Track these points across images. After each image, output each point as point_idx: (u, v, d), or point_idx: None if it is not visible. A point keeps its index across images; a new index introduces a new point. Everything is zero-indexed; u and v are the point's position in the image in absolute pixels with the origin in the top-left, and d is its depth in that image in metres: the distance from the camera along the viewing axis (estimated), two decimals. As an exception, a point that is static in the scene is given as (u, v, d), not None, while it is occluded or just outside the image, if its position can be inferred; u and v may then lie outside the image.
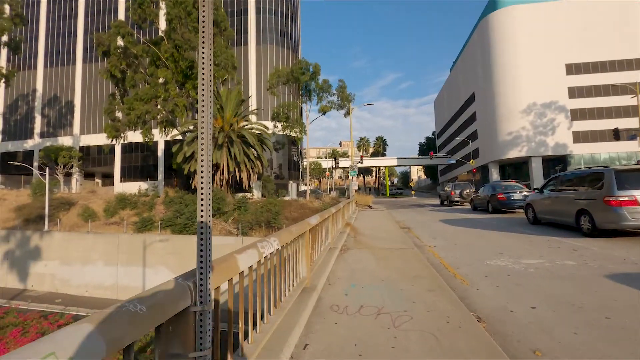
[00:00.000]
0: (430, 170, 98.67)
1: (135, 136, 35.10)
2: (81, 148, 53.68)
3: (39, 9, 58.14)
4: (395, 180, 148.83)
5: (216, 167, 26.25)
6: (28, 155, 55.42)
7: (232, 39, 50.27)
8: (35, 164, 54.16)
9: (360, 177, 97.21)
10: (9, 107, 57.78)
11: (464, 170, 63.35)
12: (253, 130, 28.38)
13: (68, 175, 51.57)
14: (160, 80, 26.48)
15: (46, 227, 24.19)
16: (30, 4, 58.34)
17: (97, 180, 58.92)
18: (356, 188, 27.94)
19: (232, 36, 30.83)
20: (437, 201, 33.73)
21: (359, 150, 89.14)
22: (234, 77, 31.12)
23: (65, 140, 54.53)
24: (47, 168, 25.93)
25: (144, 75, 28.00)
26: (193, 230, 22.26)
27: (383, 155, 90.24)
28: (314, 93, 28.30)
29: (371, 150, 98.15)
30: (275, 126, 29.58)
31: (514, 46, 45.85)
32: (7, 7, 35.59)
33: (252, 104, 48.61)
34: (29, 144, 55.96)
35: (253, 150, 27.09)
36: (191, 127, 27.23)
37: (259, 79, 49.85)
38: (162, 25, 31.11)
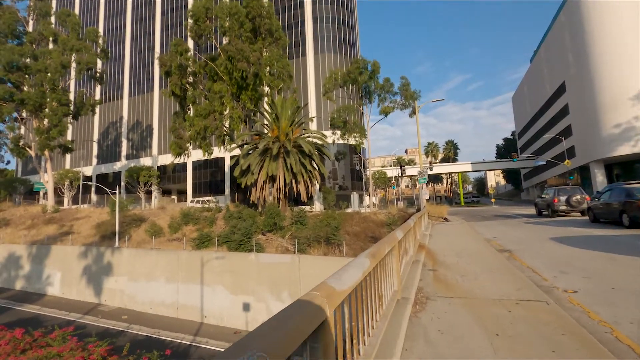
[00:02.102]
0: (511, 175, 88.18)
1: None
2: (159, 167, 57.67)
3: (124, 47, 65.22)
4: (469, 187, 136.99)
5: (272, 179, 24.99)
6: (117, 176, 61.49)
7: (288, 48, 50.33)
8: (122, 183, 59.97)
9: (430, 186, 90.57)
10: (102, 134, 65.28)
11: (555, 172, 54.48)
12: (310, 139, 26.68)
13: (148, 193, 55.94)
14: (218, 95, 26.28)
15: (116, 244, 25.07)
16: (118, 42, 65.82)
17: (173, 196, 63.04)
18: (427, 197, 24.41)
19: (286, 45, 29.88)
20: (528, 210, 28.38)
21: (427, 157, 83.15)
22: (289, 86, 30.06)
23: (146, 161, 59.41)
24: (118, 187, 27.23)
25: (203, 92, 28.26)
26: (249, 247, 20.99)
27: (454, 160, 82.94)
28: (374, 94, 25.72)
29: (440, 156, 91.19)
30: (334, 133, 27.55)
31: (617, 21, 38.00)
32: (93, 45, 39.71)
33: (312, 114, 47.63)
34: (117, 166, 62.22)
35: (310, 160, 25.31)
36: (247, 139, 26.50)
37: (318, 89, 48.69)
38: (220, 41, 31.54)
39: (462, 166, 66.33)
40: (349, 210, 29.23)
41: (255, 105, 27.12)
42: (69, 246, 26.50)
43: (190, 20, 25.46)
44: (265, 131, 27.28)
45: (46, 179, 39.20)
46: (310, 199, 27.74)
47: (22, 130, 47.04)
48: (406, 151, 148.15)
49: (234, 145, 28.56)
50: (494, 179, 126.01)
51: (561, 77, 48.71)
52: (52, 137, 36.24)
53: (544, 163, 47.75)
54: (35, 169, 65.06)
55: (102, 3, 69.17)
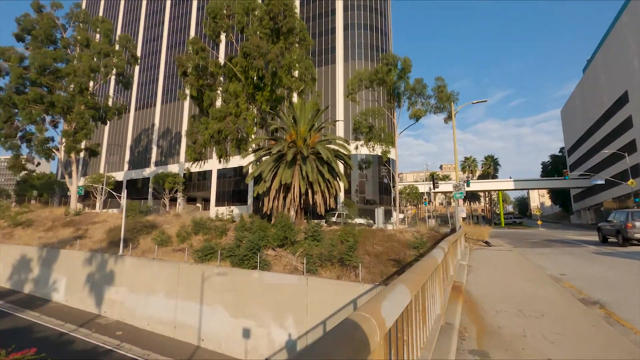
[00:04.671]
0: (559, 196, 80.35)
1: (232, 161, 34.37)
2: (185, 174, 57.42)
3: (160, 56, 66.92)
4: (509, 207, 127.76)
5: (287, 188, 22.58)
6: (145, 181, 62.12)
7: (317, 55, 48.69)
8: (150, 190, 60.44)
9: (466, 204, 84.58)
10: (134, 140, 66.70)
11: (614, 194, 47.92)
12: (330, 146, 24.15)
13: (174, 200, 55.72)
14: (234, 96, 24.55)
15: (120, 251, 23.57)
16: (154, 52, 67.71)
17: (198, 204, 62.59)
18: (464, 216, 20.87)
19: (310, 45, 27.86)
20: (586, 235, 23.89)
21: (464, 172, 77.64)
22: (312, 89, 27.88)
23: (173, 168, 59.53)
24: (126, 192, 25.98)
25: (220, 93, 26.74)
26: (254, 263, 18.50)
27: (494, 177, 76.80)
28: (404, 96, 22.79)
29: (478, 172, 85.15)
30: (357, 139, 24.79)
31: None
32: (124, 50, 40.11)
33: (340, 124, 45.27)
34: (146, 172, 62.93)
35: (329, 168, 22.69)
36: (262, 144, 24.40)
37: (347, 99, 46.26)
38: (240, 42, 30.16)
39: (503, 183, 60.76)
40: (373, 226, 26.10)
41: (273, 107, 25.10)
42: (76, 251, 25.44)
43: (208, 18, 24.10)
44: (282, 135, 25.12)
45: (71, 182, 39.39)
46: (329, 211, 25.00)
47: (54, 133, 48.28)
48: (441, 167, 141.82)
49: (250, 149, 26.62)
50: (538, 199, 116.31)
51: (623, 86, 43.05)
52: (78, 140, 36.40)
53: (602, 182, 41.86)
54: (79, 172, 67.59)
55: (142, 16, 71.96)
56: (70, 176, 40.09)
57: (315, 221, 21.97)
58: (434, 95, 22.03)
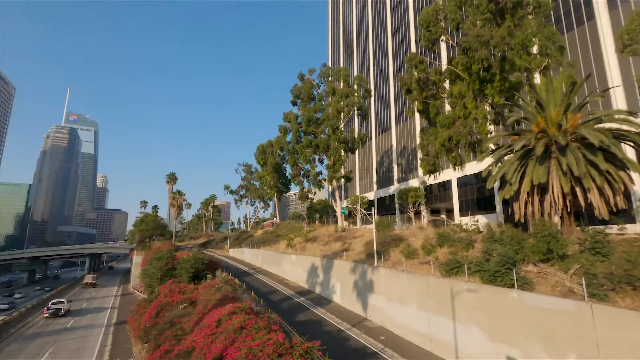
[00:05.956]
0: None
1: (468, 167, 32.50)
2: (426, 187, 58.53)
3: (389, 84, 73.36)
4: None
5: (542, 189, 18.35)
6: (391, 198, 67.87)
7: (564, 19, 38.46)
8: (396, 205, 65.52)
9: None
10: (378, 163, 75.09)
11: None
12: (604, 125, 17.94)
13: (418, 213, 57.84)
14: (459, 97, 23.06)
15: (375, 263, 26.28)
16: (384, 81, 75.13)
17: (442, 215, 61.88)
18: None
19: (550, 8, 22.46)
20: None
21: None
22: (561, 61, 22.02)
23: (413, 183, 62.15)
24: (374, 208, 28.85)
25: (445, 100, 25.83)
26: (508, 280, 15.80)
27: None
28: None
29: None
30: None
31: None
32: (359, 88, 46.72)
33: (619, 98, 33.22)
34: (391, 190, 68.89)
35: (606, 156, 16.71)
36: (500, 142, 21.21)
37: (622, 56, 33.57)
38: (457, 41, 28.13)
39: None
40: None
41: (508, 98, 21.59)
42: (344, 261, 30.58)
43: (422, 30, 24.19)
44: (526, 127, 20.92)
45: (336, 205, 48.59)
46: (616, 213, 18.21)
47: (321, 168, 61.30)
48: None
49: (488, 150, 23.83)
50: None
51: None
52: (336, 170, 44.83)
53: None
54: (342, 196, 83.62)
55: (370, 53, 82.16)
56: (335, 200, 49.59)
57: (601, 227, 16.56)
58: None
